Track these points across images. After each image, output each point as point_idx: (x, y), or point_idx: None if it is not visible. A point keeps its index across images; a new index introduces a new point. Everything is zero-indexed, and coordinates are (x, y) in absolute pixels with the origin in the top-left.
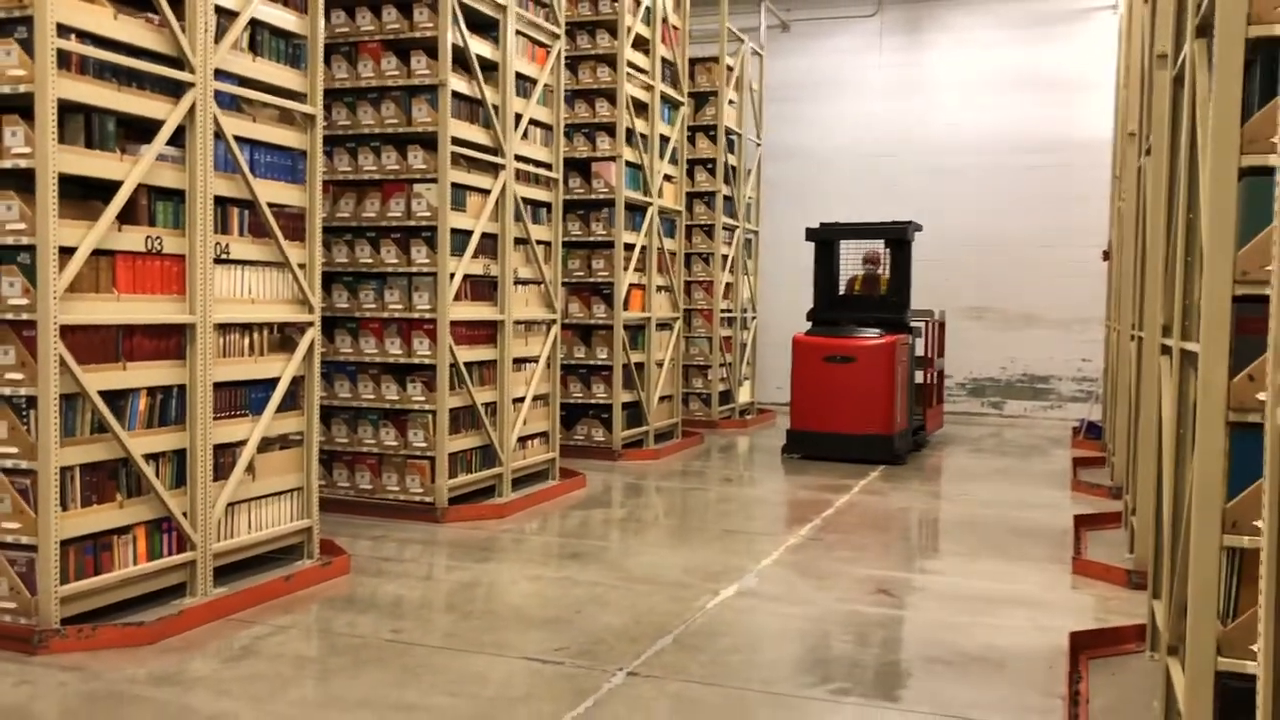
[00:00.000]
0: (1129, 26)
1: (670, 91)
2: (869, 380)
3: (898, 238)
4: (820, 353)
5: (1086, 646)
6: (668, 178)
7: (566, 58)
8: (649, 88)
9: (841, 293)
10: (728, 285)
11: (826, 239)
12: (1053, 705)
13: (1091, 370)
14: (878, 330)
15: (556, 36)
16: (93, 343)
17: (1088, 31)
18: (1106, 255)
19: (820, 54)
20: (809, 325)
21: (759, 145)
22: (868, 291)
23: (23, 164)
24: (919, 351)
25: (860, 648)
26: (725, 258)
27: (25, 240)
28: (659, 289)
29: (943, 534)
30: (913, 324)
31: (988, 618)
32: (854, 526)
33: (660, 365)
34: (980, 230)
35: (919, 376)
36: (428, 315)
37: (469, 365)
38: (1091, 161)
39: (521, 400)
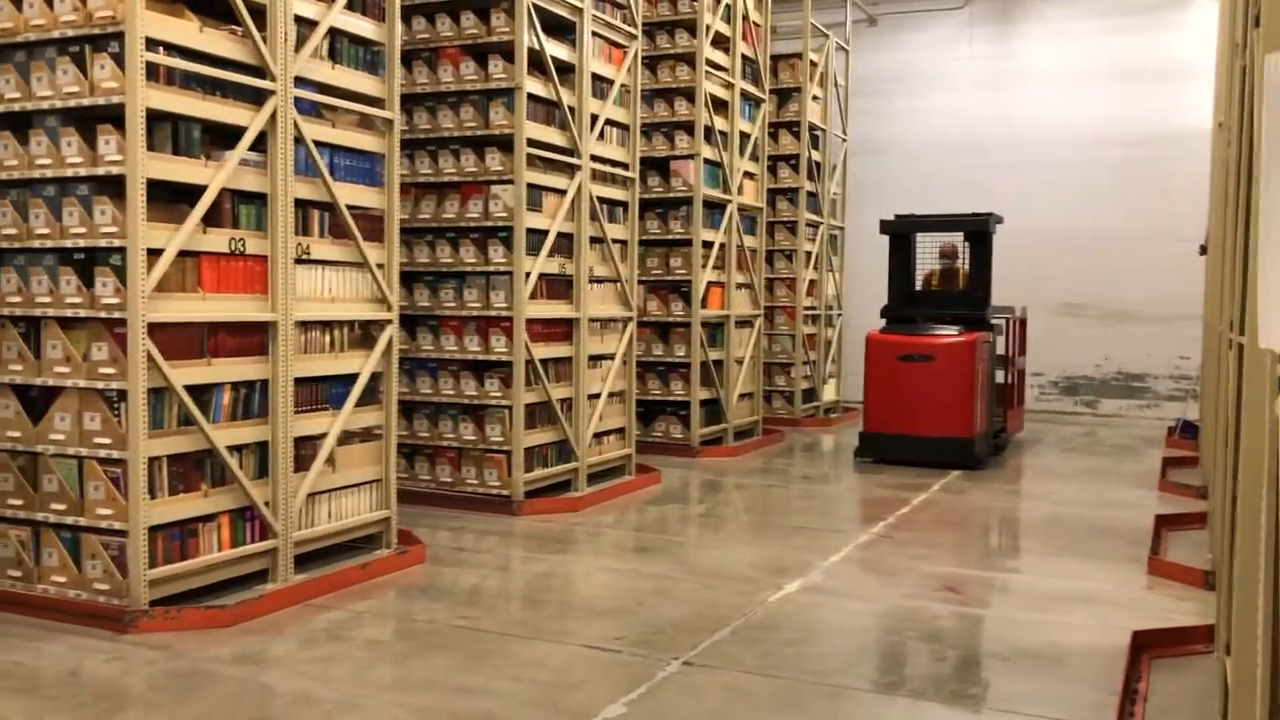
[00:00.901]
0: (1223, 14)
1: (751, 89)
2: (947, 380)
3: (978, 230)
4: (896, 351)
5: (1151, 646)
6: (748, 175)
7: (646, 58)
8: (729, 85)
9: (918, 288)
10: (811, 282)
11: (902, 232)
12: (1109, 703)
13: (1190, 368)
14: (957, 328)
15: (633, 37)
16: (179, 340)
17: (1187, 20)
18: (1203, 250)
19: (908, 47)
20: (884, 323)
21: (844, 141)
22: (946, 287)
23: (115, 170)
24: (999, 350)
25: (918, 643)
26: (809, 254)
27: (117, 242)
28: (739, 286)
29: (1018, 533)
30: (993, 321)
31: (1053, 615)
32: (927, 525)
33: (740, 363)
34: (1073, 224)
35: (999, 376)
36: (504, 313)
37: (545, 362)
38: (1189, 153)
39: (597, 396)
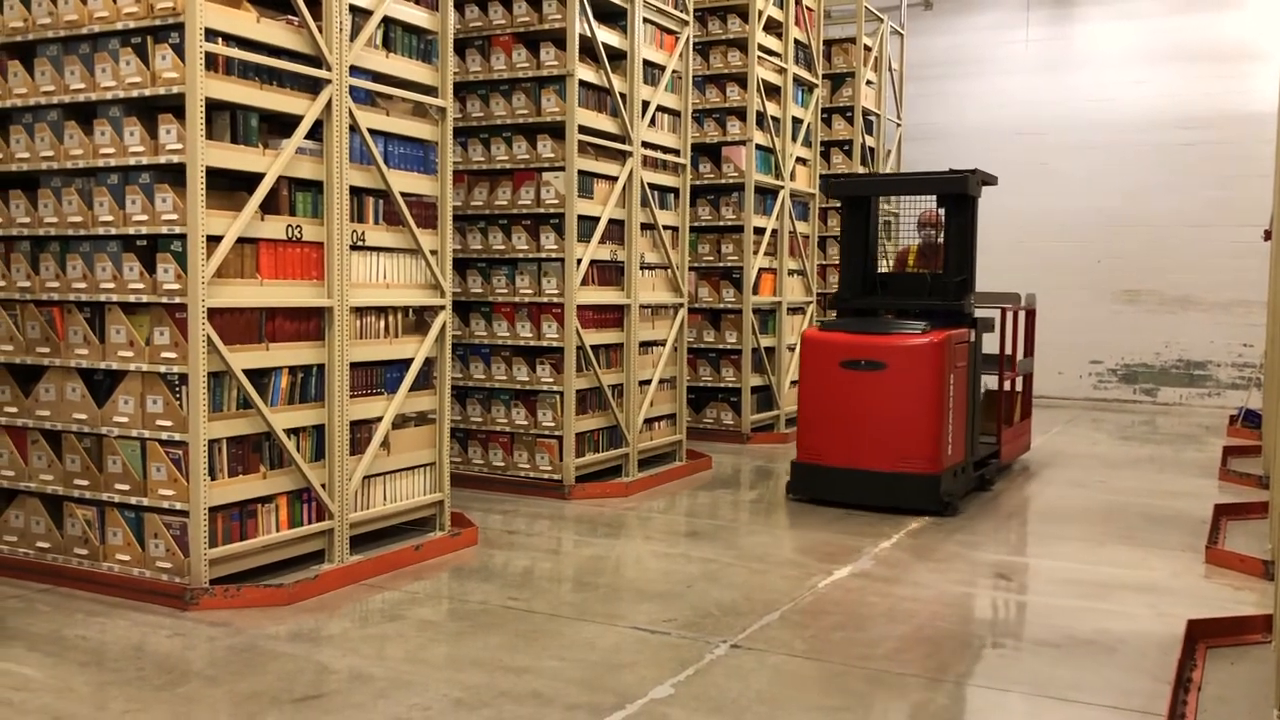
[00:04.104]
0: None
1: (804, 74)
2: (904, 395)
3: (955, 192)
4: (837, 355)
5: (1206, 635)
6: (801, 160)
7: (698, 43)
8: (781, 71)
9: (887, 270)
10: None
11: (856, 195)
12: (1160, 691)
13: (1253, 356)
14: (923, 323)
15: (685, 22)
16: (238, 324)
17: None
18: (1268, 235)
19: (964, 31)
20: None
21: (899, 126)
22: (927, 268)
23: (175, 159)
24: (997, 347)
25: (968, 628)
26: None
27: (178, 229)
28: (791, 273)
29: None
30: (981, 313)
31: (1106, 603)
32: (971, 518)
33: (792, 349)
34: (1133, 209)
35: (995, 383)
36: (556, 299)
37: (596, 348)
38: (1254, 136)
39: (648, 383)
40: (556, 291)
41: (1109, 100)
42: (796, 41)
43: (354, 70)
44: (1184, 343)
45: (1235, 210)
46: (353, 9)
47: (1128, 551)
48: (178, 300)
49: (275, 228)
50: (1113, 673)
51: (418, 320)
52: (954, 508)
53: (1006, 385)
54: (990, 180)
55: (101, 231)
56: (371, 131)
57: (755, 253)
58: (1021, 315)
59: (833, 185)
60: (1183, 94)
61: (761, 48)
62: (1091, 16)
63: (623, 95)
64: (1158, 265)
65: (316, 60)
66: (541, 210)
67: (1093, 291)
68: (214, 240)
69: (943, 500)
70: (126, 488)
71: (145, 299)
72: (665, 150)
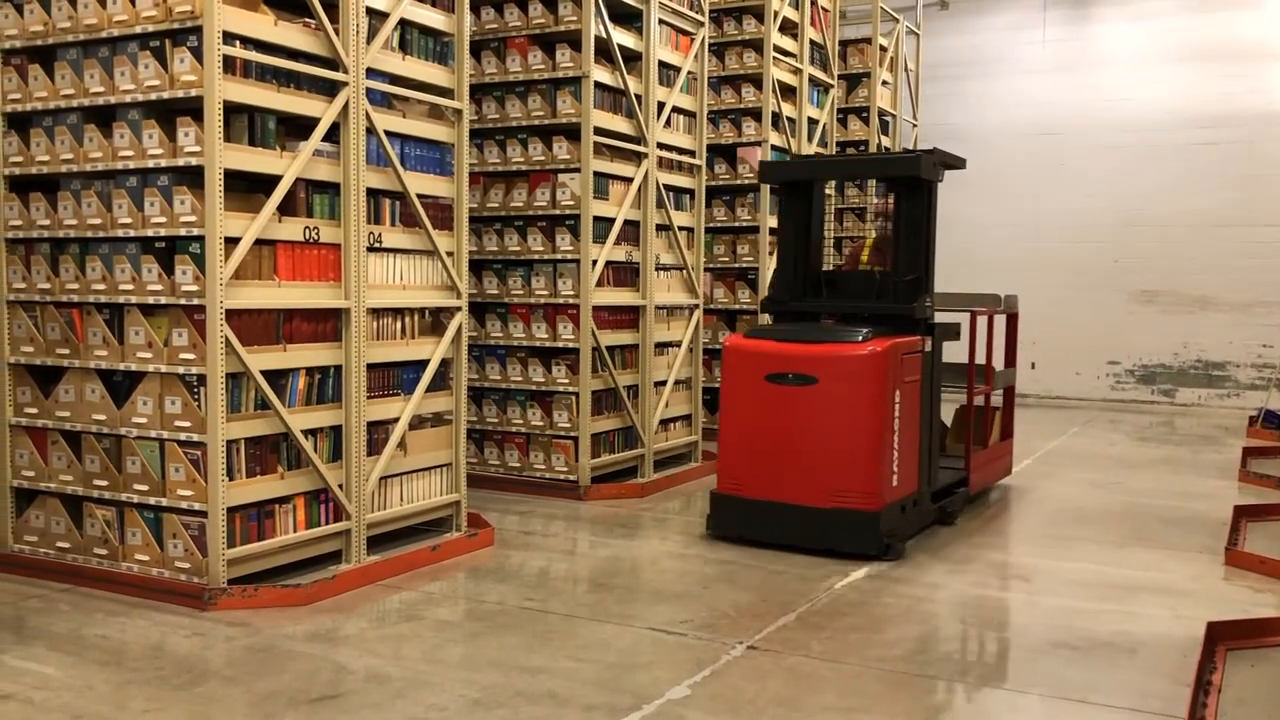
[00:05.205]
0: None
1: (819, 74)
2: (838, 415)
3: (904, 175)
4: (761, 367)
5: (1226, 637)
6: None
7: (713, 44)
8: (797, 71)
9: (836, 266)
10: None
11: (793, 180)
12: (1179, 694)
13: (1272, 356)
14: (865, 329)
15: (700, 24)
16: (256, 326)
17: None
18: None
19: (980, 31)
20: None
21: (915, 126)
22: (881, 264)
23: (193, 161)
24: (972, 358)
25: (984, 630)
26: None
27: (196, 231)
28: None
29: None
30: (940, 318)
31: (1125, 605)
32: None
33: None
34: (1151, 209)
35: (962, 397)
36: (571, 300)
37: (611, 349)
38: (1273, 135)
39: (663, 383)
40: (572, 293)
41: (1126, 100)
42: (812, 42)
43: (370, 72)
44: (1202, 343)
45: (1254, 210)
46: (369, 11)
47: (1146, 554)
48: (196, 302)
49: (293, 229)
50: (1131, 675)
51: (434, 321)
52: (896, 550)
53: (980, 401)
54: (955, 164)
55: (120, 233)
56: (388, 133)
57: (770, 254)
58: (1001, 320)
59: (765, 168)
60: (1201, 93)
61: (777, 48)
62: (1109, 16)
63: (638, 96)
64: (1176, 265)
65: (333, 63)
66: (557, 212)
67: (1110, 292)
68: (232, 242)
69: (883, 542)
70: (145, 488)
71: (164, 300)
72: (680, 151)
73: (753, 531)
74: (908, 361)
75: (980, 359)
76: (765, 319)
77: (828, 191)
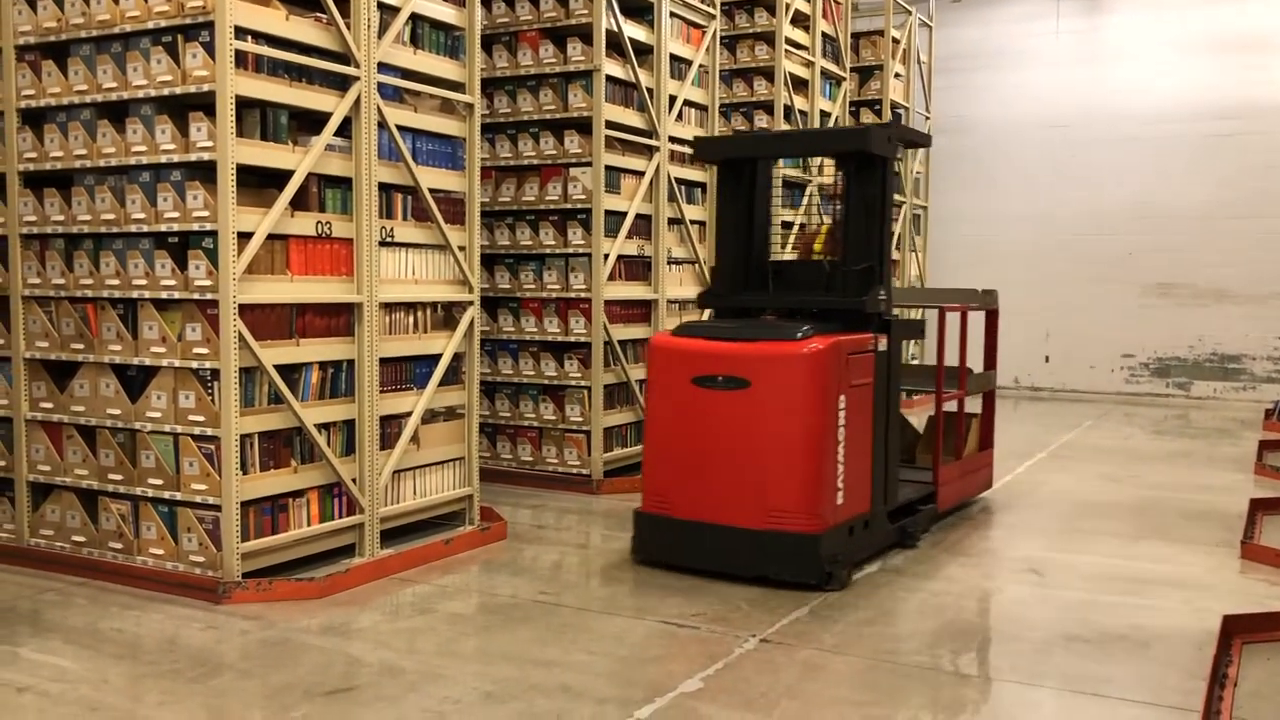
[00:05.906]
0: None
1: (832, 67)
2: (773, 424)
3: (853, 149)
4: (688, 368)
5: (1242, 630)
6: None
7: (725, 37)
8: (809, 64)
9: (782, 258)
10: (894, 262)
11: (734, 158)
12: (1194, 687)
13: None
14: (807, 326)
15: (712, 17)
16: (269, 320)
17: None
18: None
19: (993, 23)
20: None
21: (927, 119)
22: (835, 253)
23: (206, 156)
24: (941, 358)
25: (999, 623)
26: (891, 234)
27: (209, 226)
28: None
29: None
30: (900, 313)
31: (1139, 599)
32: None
33: None
34: (1165, 202)
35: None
36: (583, 295)
37: (623, 343)
38: None
39: None
40: (584, 287)
41: (1140, 92)
42: (824, 34)
43: (382, 67)
44: (1217, 336)
45: (1270, 202)
46: (381, 6)
47: (1161, 547)
48: (209, 296)
49: (305, 224)
50: (1146, 668)
51: (446, 316)
52: (840, 579)
53: (953, 407)
54: (919, 141)
55: (134, 229)
56: (400, 128)
57: (783, 247)
58: (979, 318)
59: (700, 145)
60: (1215, 85)
61: (789, 41)
62: (1122, 7)
63: (650, 90)
64: (1190, 258)
65: (345, 57)
66: (569, 206)
67: (1124, 285)
68: (245, 237)
69: (824, 570)
70: (160, 482)
71: (177, 295)
72: (693, 144)
73: (680, 557)
74: (855, 362)
75: (954, 360)
76: (707, 316)
77: (794, 174)
